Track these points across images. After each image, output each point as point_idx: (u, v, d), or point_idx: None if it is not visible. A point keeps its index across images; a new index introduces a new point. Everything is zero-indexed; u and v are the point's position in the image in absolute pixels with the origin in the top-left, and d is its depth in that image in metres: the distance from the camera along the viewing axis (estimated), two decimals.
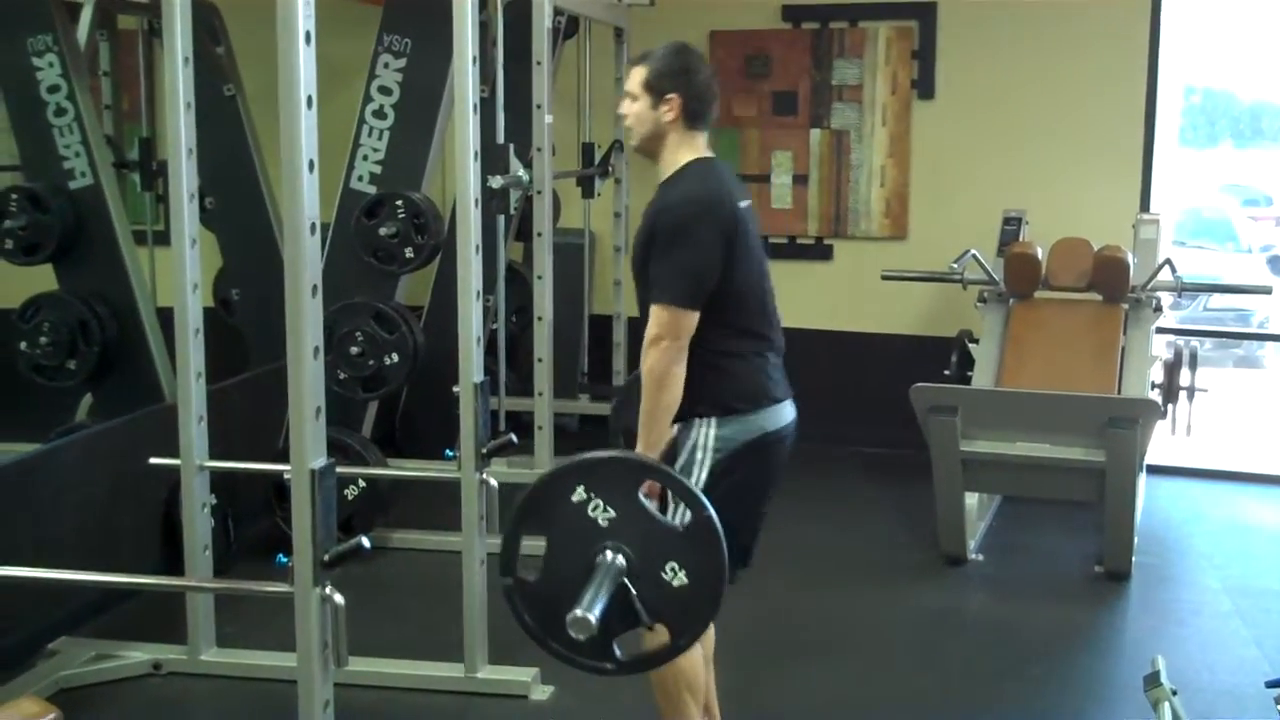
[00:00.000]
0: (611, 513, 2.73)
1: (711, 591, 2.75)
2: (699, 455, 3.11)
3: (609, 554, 2.72)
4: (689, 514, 2.76)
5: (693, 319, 3.02)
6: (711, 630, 3.40)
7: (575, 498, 2.75)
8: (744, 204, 3.18)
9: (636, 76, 3.19)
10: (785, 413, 3.24)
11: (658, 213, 3.11)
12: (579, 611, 2.62)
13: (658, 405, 3.05)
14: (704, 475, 3.10)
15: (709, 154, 3.22)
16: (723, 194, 3.12)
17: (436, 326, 5.33)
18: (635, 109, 3.19)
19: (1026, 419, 4.90)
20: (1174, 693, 3.06)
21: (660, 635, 2.82)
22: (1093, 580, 5.05)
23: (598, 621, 2.62)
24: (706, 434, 3.11)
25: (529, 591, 2.82)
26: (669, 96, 3.14)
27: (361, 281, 4.90)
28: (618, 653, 2.80)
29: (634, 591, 2.71)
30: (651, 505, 2.78)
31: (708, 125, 3.23)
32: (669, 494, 2.89)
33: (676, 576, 2.72)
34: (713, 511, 2.74)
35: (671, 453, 3.15)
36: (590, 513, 2.74)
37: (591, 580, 2.69)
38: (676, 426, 3.16)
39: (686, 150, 3.18)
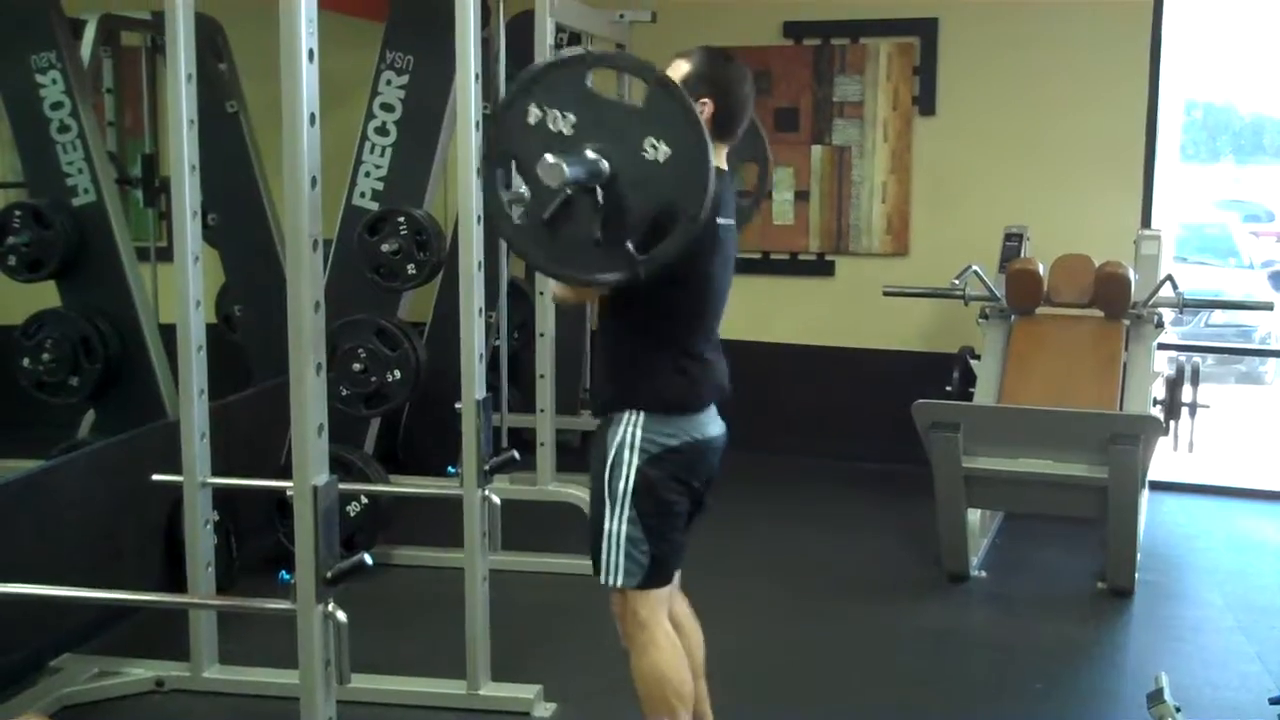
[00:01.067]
0: (571, 117, 2.70)
1: (697, 153, 2.69)
2: (625, 455, 3.07)
3: (592, 154, 2.68)
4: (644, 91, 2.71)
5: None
6: (700, 642, 3.39)
7: (531, 119, 2.71)
8: (724, 221, 3.12)
9: (678, 70, 3.12)
10: (714, 420, 3.20)
11: None
12: (549, 157, 2.59)
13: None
14: (631, 481, 3.07)
15: (722, 166, 3.18)
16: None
17: (439, 343, 5.34)
18: None
19: (1029, 435, 4.90)
20: (1178, 709, 3.06)
21: None
22: (1095, 597, 5.04)
23: (571, 176, 2.59)
24: (633, 432, 3.07)
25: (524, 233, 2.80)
26: (703, 100, 3.06)
27: (364, 298, 4.90)
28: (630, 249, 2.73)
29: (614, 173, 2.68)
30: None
31: (733, 140, 3.20)
32: None
33: (658, 150, 2.67)
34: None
35: (600, 451, 3.12)
36: (551, 127, 2.70)
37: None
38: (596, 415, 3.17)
39: None
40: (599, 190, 2.69)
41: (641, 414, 3.07)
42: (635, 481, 3.06)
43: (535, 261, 2.89)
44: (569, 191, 2.67)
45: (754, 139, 3.95)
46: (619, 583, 3.11)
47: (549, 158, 2.58)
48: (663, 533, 3.10)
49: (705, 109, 3.05)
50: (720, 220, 3.08)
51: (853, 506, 6.21)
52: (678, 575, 3.28)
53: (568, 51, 2.78)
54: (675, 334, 3.10)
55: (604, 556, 3.11)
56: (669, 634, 3.19)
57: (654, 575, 3.12)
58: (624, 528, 3.07)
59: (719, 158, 3.15)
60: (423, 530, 5.23)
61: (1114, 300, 5.56)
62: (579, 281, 2.89)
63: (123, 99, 5.90)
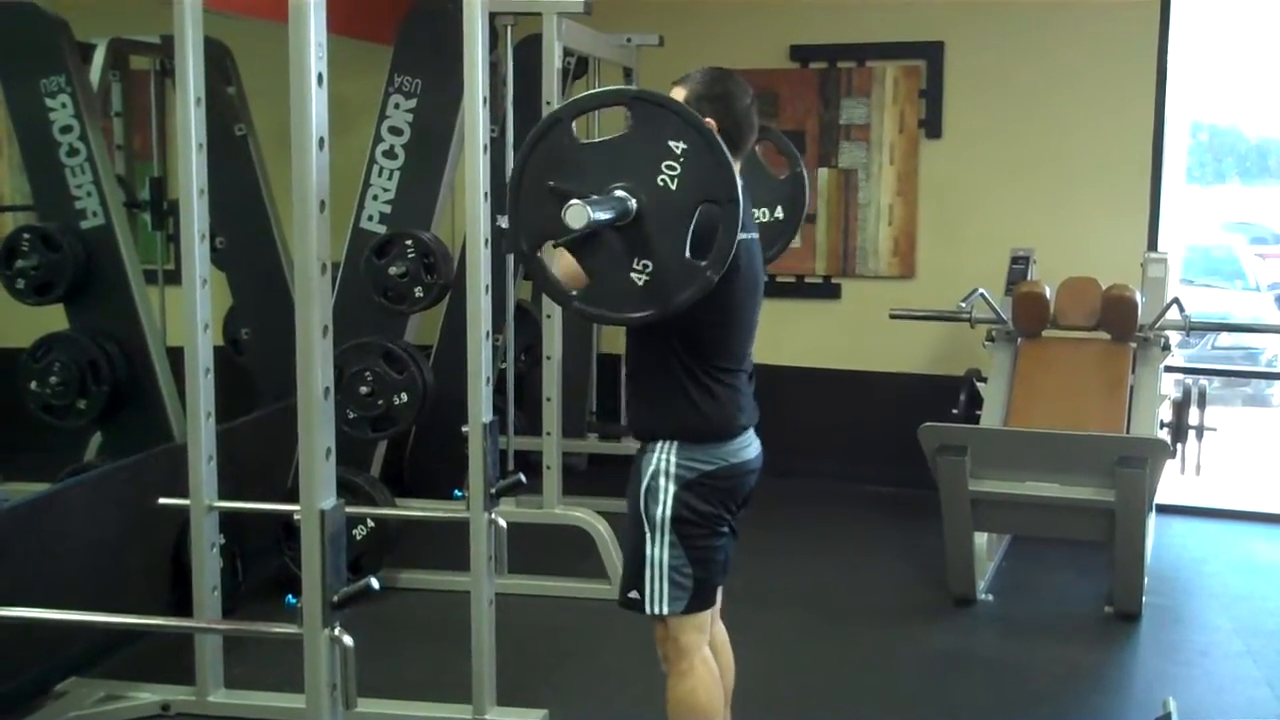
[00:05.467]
0: (578, 172, 2.71)
1: (705, 146, 2.69)
2: (660, 481, 3.07)
3: (621, 192, 2.69)
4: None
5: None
6: (731, 667, 3.39)
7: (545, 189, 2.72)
8: (747, 236, 3.12)
9: (677, 95, 3.12)
10: (751, 444, 3.21)
11: None
12: (578, 201, 2.58)
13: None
14: (669, 507, 3.07)
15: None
16: None
17: (445, 366, 5.34)
18: None
19: (1035, 458, 4.89)
20: None
21: None
22: (1103, 621, 5.02)
23: (592, 219, 2.58)
24: (668, 459, 3.08)
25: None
26: (707, 120, 3.03)
27: (371, 321, 4.91)
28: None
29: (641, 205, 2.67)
30: None
31: (742, 154, 3.21)
32: None
33: (675, 166, 2.69)
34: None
35: (636, 475, 3.12)
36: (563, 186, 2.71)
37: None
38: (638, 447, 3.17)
39: None
40: (636, 222, 2.70)
41: (676, 442, 3.09)
42: (673, 508, 3.07)
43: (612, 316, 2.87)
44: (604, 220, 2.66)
45: (789, 164, 3.93)
46: (665, 610, 3.09)
47: (575, 203, 2.58)
48: (705, 556, 3.10)
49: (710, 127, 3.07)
50: (743, 238, 3.06)
51: (859, 529, 6.20)
52: (719, 599, 3.28)
53: (546, 113, 2.79)
54: (704, 360, 3.09)
55: (648, 585, 3.09)
56: (707, 660, 3.19)
57: (699, 599, 3.12)
58: (666, 554, 3.07)
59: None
60: (429, 554, 5.23)
61: (1121, 323, 5.56)
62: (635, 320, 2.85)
63: (131, 122, 5.91)
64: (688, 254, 2.71)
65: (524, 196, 2.76)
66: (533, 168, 2.75)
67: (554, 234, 2.71)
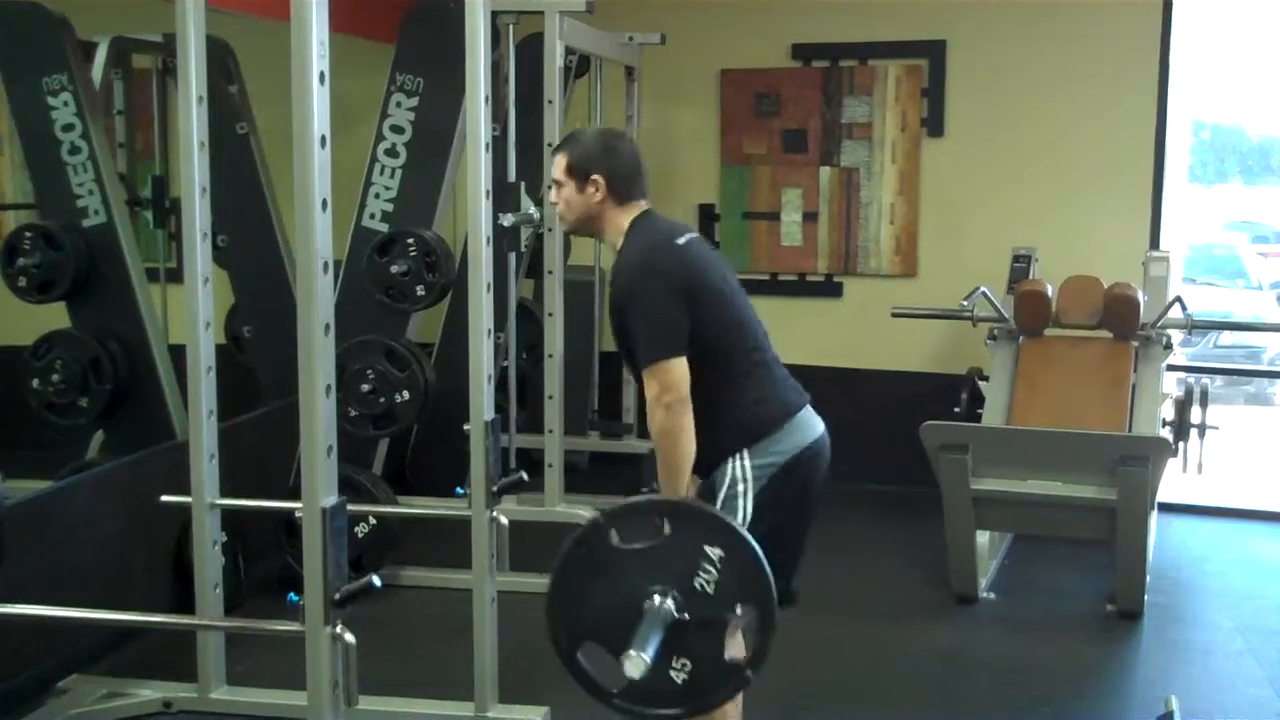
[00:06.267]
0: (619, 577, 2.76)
1: (763, 626, 2.74)
2: (740, 488, 3.12)
3: (658, 598, 2.72)
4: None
5: (682, 366, 3.03)
6: None
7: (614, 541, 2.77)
8: (683, 239, 3.20)
9: (560, 163, 3.24)
10: (813, 424, 3.25)
11: (612, 286, 3.18)
12: (633, 651, 2.61)
13: (673, 460, 3.06)
14: (749, 507, 3.11)
15: (644, 209, 3.24)
16: (660, 240, 3.17)
17: (447, 364, 5.34)
18: (564, 194, 3.24)
19: (1037, 457, 4.89)
20: None
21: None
22: (1104, 619, 5.02)
23: (651, 662, 2.61)
24: (742, 465, 3.12)
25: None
26: (594, 178, 3.18)
27: (373, 319, 4.91)
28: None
29: (688, 620, 2.71)
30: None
31: (641, 195, 3.25)
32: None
33: (712, 568, 2.72)
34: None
35: (707, 499, 3.14)
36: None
37: (640, 621, 2.69)
38: (700, 480, 3.19)
39: (624, 217, 3.22)
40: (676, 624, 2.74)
41: (743, 450, 3.12)
42: (751, 513, 3.11)
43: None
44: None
45: None
46: None
47: (632, 654, 2.61)
48: (777, 557, 3.09)
49: (599, 184, 3.19)
50: (679, 242, 3.18)
51: (861, 528, 6.20)
52: None
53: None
54: (725, 365, 3.14)
55: None
56: None
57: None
58: None
59: (634, 210, 3.23)
60: (431, 551, 5.23)
61: (1123, 321, 5.56)
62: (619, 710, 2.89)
63: (134, 121, 5.92)
64: (727, 654, 2.76)
65: (561, 596, 2.82)
66: (574, 568, 2.81)
67: (593, 636, 2.78)
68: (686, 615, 2.71)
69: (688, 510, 2.85)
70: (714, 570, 2.73)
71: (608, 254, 6.44)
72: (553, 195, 3.29)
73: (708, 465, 3.15)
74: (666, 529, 2.77)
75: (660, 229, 3.22)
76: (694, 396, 3.07)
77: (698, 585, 2.72)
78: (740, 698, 3.35)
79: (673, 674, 2.76)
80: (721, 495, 3.12)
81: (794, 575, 3.27)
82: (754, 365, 3.20)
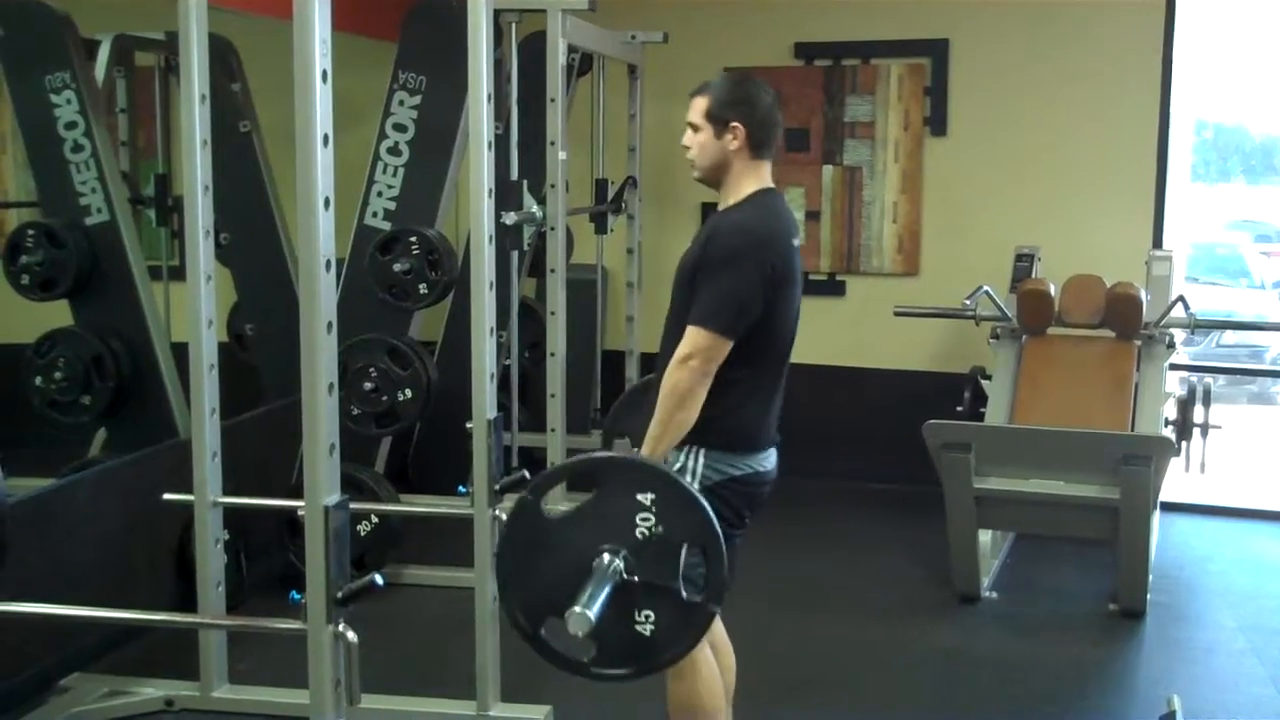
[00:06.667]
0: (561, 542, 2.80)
1: (711, 556, 2.76)
2: (686, 478, 3.08)
3: (606, 556, 2.74)
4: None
5: (725, 347, 3.01)
6: (733, 667, 3.39)
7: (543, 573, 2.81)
8: (796, 242, 3.19)
9: (699, 106, 3.18)
10: (770, 459, 3.24)
11: (709, 238, 3.11)
12: (577, 608, 2.63)
13: (672, 420, 3.03)
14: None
15: (771, 185, 3.21)
16: (778, 230, 3.13)
17: (450, 362, 5.34)
18: (699, 139, 3.19)
19: (1040, 456, 4.89)
20: None
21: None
22: (1107, 618, 5.02)
23: (596, 618, 2.63)
24: (696, 462, 3.10)
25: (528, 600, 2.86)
26: (734, 125, 3.13)
27: (375, 317, 4.91)
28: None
29: (638, 582, 2.73)
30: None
31: (772, 154, 3.22)
32: None
33: (650, 513, 2.75)
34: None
35: None
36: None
37: (588, 580, 2.71)
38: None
39: (751, 180, 3.17)
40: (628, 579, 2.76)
41: (703, 448, 3.10)
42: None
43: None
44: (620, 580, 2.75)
45: None
46: None
47: (574, 610, 2.64)
48: None
49: (737, 132, 3.13)
50: (794, 243, 3.17)
51: (863, 526, 6.20)
52: None
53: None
54: (752, 374, 3.13)
55: None
56: (708, 660, 3.20)
57: None
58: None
59: (764, 175, 3.20)
60: (433, 550, 5.23)
61: (1125, 321, 5.55)
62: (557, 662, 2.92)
63: (136, 119, 5.91)
64: (684, 594, 2.76)
65: (512, 579, 2.86)
66: (514, 550, 2.86)
67: (552, 609, 2.78)
68: (635, 565, 2.73)
69: (607, 464, 2.87)
70: (651, 515, 2.75)
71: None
72: (687, 138, 3.22)
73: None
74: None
75: (785, 218, 3.20)
76: (716, 378, 3.06)
77: (639, 534, 2.74)
78: (730, 690, 3.36)
79: (639, 628, 2.78)
80: None
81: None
82: (770, 389, 3.19)
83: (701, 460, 3.10)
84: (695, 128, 3.20)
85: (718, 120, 3.15)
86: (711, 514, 2.77)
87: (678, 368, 3.01)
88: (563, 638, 2.80)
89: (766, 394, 3.20)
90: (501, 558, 2.86)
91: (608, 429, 3.82)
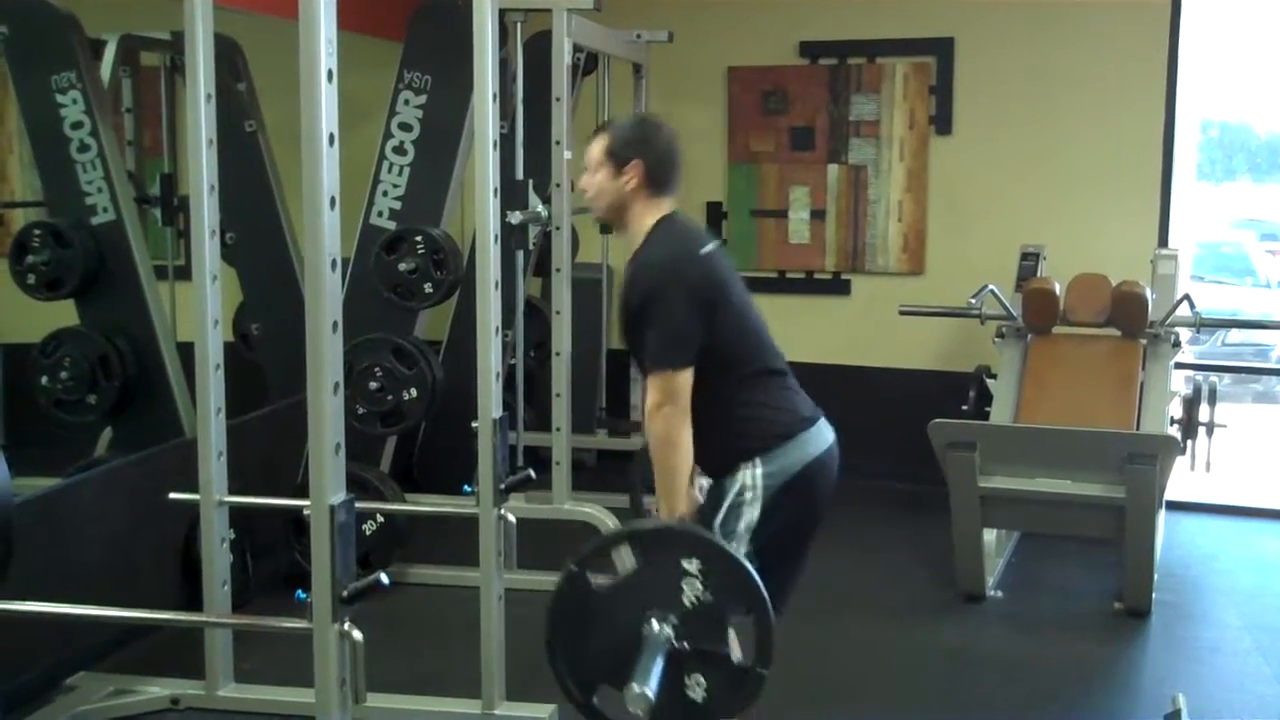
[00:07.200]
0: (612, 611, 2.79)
1: (760, 621, 2.75)
2: (748, 495, 3.09)
3: (655, 624, 2.73)
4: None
5: (687, 377, 3.02)
6: None
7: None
8: (707, 249, 3.18)
9: (598, 146, 3.21)
10: (824, 434, 3.23)
11: (629, 286, 3.14)
12: (635, 686, 2.62)
13: (669, 467, 3.05)
14: (756, 514, 3.09)
15: (668, 209, 3.21)
16: (684, 250, 3.14)
17: (455, 361, 5.35)
18: (597, 180, 3.21)
19: (1045, 455, 4.89)
20: None
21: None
22: (1112, 617, 5.02)
23: (655, 696, 2.62)
24: (754, 474, 3.10)
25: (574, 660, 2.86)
26: (632, 163, 3.15)
27: (380, 317, 4.91)
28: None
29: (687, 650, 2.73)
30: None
31: (672, 192, 3.22)
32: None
33: (695, 583, 2.74)
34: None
35: (714, 502, 3.13)
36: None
37: (639, 651, 2.70)
38: (711, 481, 3.18)
39: (650, 217, 3.19)
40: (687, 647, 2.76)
41: (757, 458, 3.10)
42: (758, 519, 3.09)
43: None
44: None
45: None
46: None
47: (633, 688, 2.64)
48: (778, 566, 3.10)
49: (635, 170, 3.15)
50: (703, 253, 3.16)
51: (868, 526, 6.19)
52: None
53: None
54: (738, 372, 3.14)
55: None
56: None
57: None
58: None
59: (662, 208, 3.21)
60: (438, 549, 5.24)
61: (1131, 319, 5.55)
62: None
63: (142, 118, 5.92)
64: (735, 659, 2.78)
65: (562, 651, 2.84)
66: (562, 621, 2.84)
67: (603, 679, 2.79)
68: (684, 632, 2.72)
69: (650, 534, 2.87)
70: (698, 581, 2.74)
71: (616, 252, 6.50)
72: (583, 181, 3.25)
73: (721, 468, 3.14)
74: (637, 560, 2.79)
75: (686, 235, 3.21)
76: (711, 403, 3.07)
77: (686, 601, 2.74)
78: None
79: (689, 693, 2.77)
80: (728, 501, 3.11)
81: (791, 586, 3.25)
82: (769, 374, 3.20)
83: (760, 470, 3.10)
84: (593, 169, 3.22)
85: (617, 158, 3.17)
86: (757, 578, 2.76)
87: (654, 418, 3.04)
88: (615, 705, 2.78)
89: (775, 382, 3.20)
90: (552, 628, 2.84)
91: (635, 483, 3.82)
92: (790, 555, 3.19)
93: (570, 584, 2.82)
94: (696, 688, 2.77)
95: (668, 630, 2.72)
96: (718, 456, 3.12)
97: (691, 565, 2.74)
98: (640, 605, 2.76)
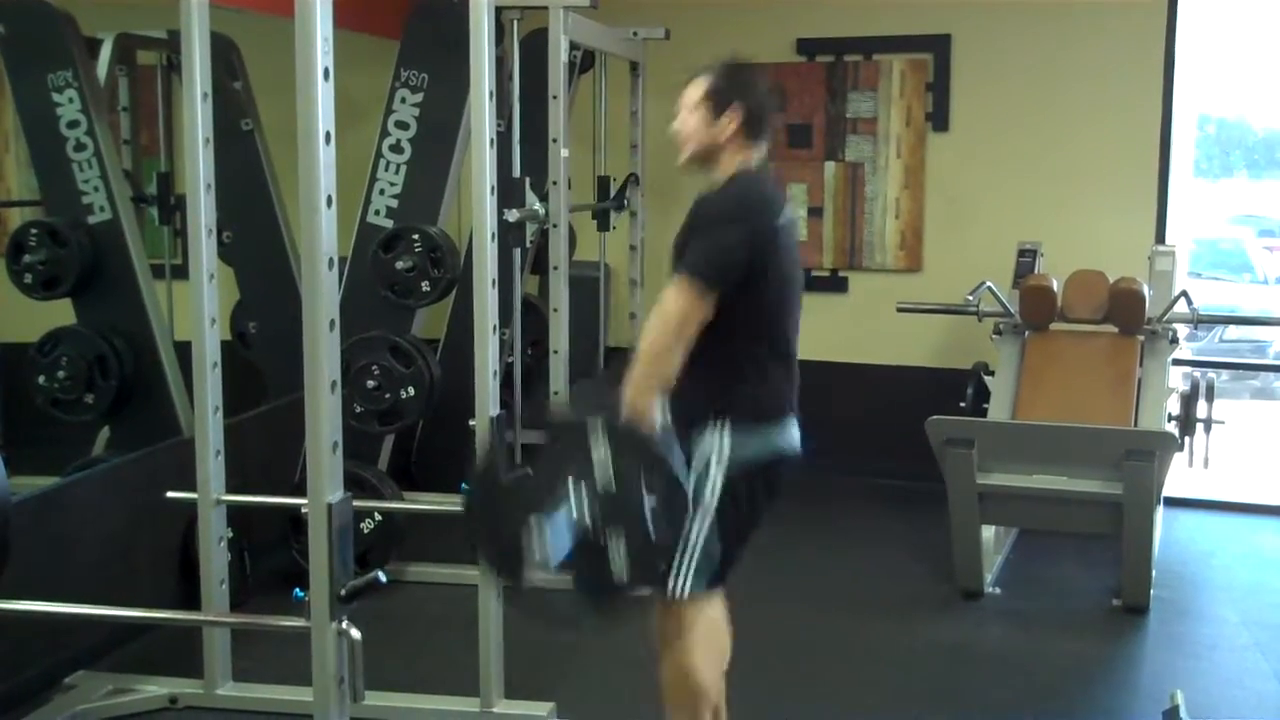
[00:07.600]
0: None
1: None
2: (714, 469, 3.09)
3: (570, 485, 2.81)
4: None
5: (702, 304, 2.98)
6: (729, 645, 3.38)
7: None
8: (782, 220, 3.17)
9: (697, 88, 3.19)
10: (795, 434, 3.24)
11: (697, 207, 3.13)
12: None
13: (649, 377, 2.99)
14: (718, 484, 3.09)
15: (759, 164, 3.22)
16: (762, 205, 3.13)
17: (452, 360, 5.34)
18: (693, 120, 3.19)
19: (1043, 452, 4.89)
20: None
21: None
22: (1110, 614, 5.02)
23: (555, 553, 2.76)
24: (722, 440, 3.09)
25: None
26: (732, 105, 3.14)
27: (378, 315, 4.91)
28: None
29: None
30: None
31: (766, 140, 3.23)
32: None
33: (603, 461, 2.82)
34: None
35: (680, 458, 3.11)
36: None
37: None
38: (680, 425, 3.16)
39: (740, 162, 3.18)
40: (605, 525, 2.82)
41: (729, 421, 3.10)
42: (722, 493, 3.09)
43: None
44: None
45: None
46: (688, 590, 3.11)
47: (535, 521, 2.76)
48: (739, 533, 3.15)
49: (735, 114, 3.15)
50: (779, 222, 3.15)
51: (866, 522, 6.20)
52: None
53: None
54: (763, 342, 3.15)
55: (678, 565, 3.09)
56: (710, 633, 3.21)
57: (721, 575, 3.17)
58: (704, 534, 3.09)
59: (757, 155, 3.21)
60: (437, 547, 5.23)
61: (1128, 316, 5.55)
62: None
63: (138, 117, 5.92)
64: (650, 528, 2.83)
65: (483, 544, 2.97)
66: (480, 523, 2.96)
67: (532, 561, 2.88)
68: (598, 495, 2.80)
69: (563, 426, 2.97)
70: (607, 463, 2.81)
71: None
72: (678, 121, 3.22)
73: (693, 416, 3.10)
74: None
75: (769, 195, 3.19)
76: (721, 356, 3.07)
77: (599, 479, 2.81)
78: (722, 686, 3.36)
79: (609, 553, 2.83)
80: (695, 472, 3.09)
81: (730, 566, 3.24)
82: (783, 357, 3.21)
83: (728, 434, 3.09)
84: (690, 109, 3.20)
85: (717, 102, 3.16)
86: (662, 454, 2.83)
87: (654, 323, 3.00)
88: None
89: (784, 370, 3.21)
90: (474, 534, 2.94)
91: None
92: (735, 535, 3.17)
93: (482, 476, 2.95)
94: (616, 553, 2.82)
95: (586, 514, 2.79)
96: (700, 398, 3.09)
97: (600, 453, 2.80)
98: (554, 483, 2.82)
